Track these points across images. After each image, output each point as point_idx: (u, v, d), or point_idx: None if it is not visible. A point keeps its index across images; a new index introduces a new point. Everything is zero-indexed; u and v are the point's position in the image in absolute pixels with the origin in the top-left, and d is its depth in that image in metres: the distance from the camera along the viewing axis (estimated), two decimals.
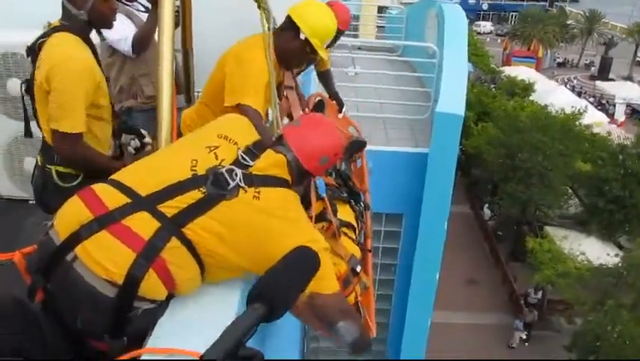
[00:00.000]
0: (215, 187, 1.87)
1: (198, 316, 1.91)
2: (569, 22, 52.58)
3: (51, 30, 2.58)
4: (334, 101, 4.94)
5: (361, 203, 3.54)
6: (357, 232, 3.35)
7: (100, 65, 2.72)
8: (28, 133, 2.95)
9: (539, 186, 20.11)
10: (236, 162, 1.96)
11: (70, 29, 2.57)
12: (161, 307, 1.86)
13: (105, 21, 2.72)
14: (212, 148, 2.00)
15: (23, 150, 4.66)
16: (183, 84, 4.10)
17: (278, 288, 1.53)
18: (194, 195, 1.86)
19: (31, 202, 4.75)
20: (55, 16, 2.68)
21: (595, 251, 18.67)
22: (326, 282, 1.96)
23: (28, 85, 2.66)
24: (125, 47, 4.24)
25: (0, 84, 4.46)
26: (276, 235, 1.91)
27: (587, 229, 20.66)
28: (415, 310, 6.74)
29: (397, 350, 6.90)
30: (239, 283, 2.05)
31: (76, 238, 1.81)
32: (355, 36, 11.60)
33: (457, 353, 17.55)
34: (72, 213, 1.89)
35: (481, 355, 17.85)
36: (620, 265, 16.69)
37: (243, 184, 1.89)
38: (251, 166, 1.97)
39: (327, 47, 4.87)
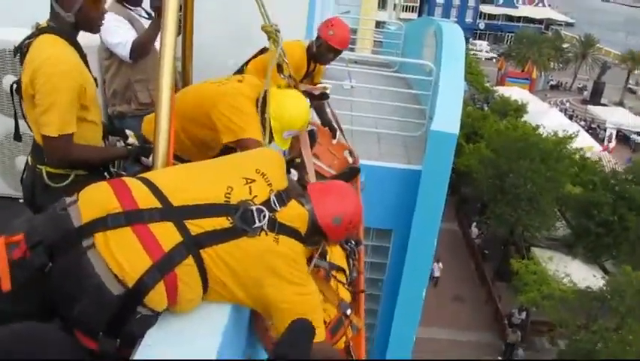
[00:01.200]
0: (242, 221, 1.92)
1: (187, 327, 1.91)
2: (564, 46, 53.14)
3: (38, 31, 2.56)
4: (327, 128, 4.93)
5: (352, 241, 3.54)
6: (348, 272, 3.35)
7: (88, 67, 2.70)
8: (17, 136, 2.92)
9: (527, 209, 20.25)
10: (267, 203, 2.02)
11: (56, 31, 2.55)
12: (157, 316, 1.86)
13: (92, 24, 2.69)
14: (248, 181, 2.05)
15: (15, 148, 4.63)
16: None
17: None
18: (222, 223, 1.90)
19: (21, 201, 4.75)
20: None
21: (580, 274, 18.78)
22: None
23: (18, 86, 2.62)
24: (123, 51, 4.21)
25: None
26: (280, 283, 1.99)
27: (573, 252, 20.80)
28: (400, 325, 6.73)
29: None
30: None
31: (100, 224, 1.80)
32: (352, 49, 11.64)
33: None
34: (101, 199, 1.87)
35: None
36: (604, 288, 16.78)
37: (266, 228, 1.96)
38: (277, 210, 2.03)
39: (324, 63, 4.93)
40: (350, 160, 4.84)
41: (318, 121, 4.89)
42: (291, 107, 3.17)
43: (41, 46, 2.50)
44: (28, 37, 2.58)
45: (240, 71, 4.68)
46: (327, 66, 7.80)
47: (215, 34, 4.67)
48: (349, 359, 2.95)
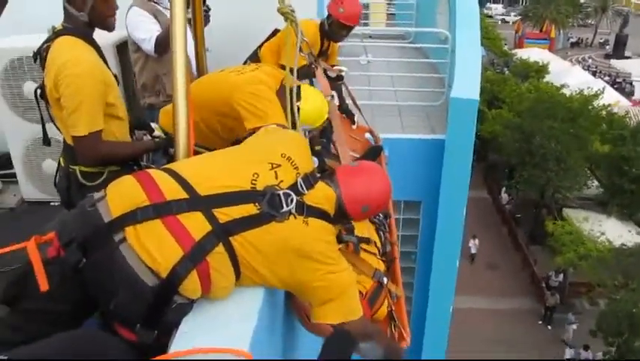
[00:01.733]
0: (269, 207, 1.92)
1: (222, 312, 1.92)
2: (582, 1, 51.84)
3: (54, 34, 2.58)
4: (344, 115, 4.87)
5: (379, 215, 3.54)
6: (380, 243, 3.34)
7: (107, 64, 2.72)
8: (46, 141, 2.97)
9: (556, 170, 19.94)
10: (294, 187, 2.01)
11: (72, 32, 2.57)
12: (192, 303, 1.88)
13: (105, 21, 2.70)
14: (274, 166, 2.05)
15: (41, 152, 4.70)
16: None
17: None
18: (249, 209, 1.91)
19: (52, 204, 4.83)
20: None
21: (615, 231, 18.51)
22: (350, 310, 2.13)
23: (43, 90, 2.66)
24: (148, 46, 4.25)
25: (16, 88, 4.50)
26: (313, 266, 2.00)
27: (606, 210, 20.48)
28: (436, 296, 6.71)
29: (420, 337, 6.89)
30: None
31: (130, 218, 1.82)
32: (366, 24, 11.51)
33: (480, 339, 17.52)
34: (129, 193, 1.89)
35: (505, 341, 17.79)
36: None
37: (294, 212, 1.96)
38: (305, 194, 2.03)
39: (338, 41, 4.88)
40: (372, 141, 4.80)
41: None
42: (309, 104, 3.23)
43: (60, 48, 2.52)
44: (46, 41, 2.60)
45: (254, 54, 4.68)
46: (342, 43, 7.77)
47: (226, 24, 4.66)
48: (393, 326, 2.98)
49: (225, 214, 1.87)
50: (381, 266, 3.13)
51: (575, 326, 18.15)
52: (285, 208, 1.94)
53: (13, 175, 4.92)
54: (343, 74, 4.29)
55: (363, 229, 3.26)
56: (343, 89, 4.81)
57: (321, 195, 2.10)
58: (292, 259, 1.96)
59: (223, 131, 3.22)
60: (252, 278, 1.97)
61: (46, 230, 1.92)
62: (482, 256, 21.11)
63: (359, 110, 4.79)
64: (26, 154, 4.76)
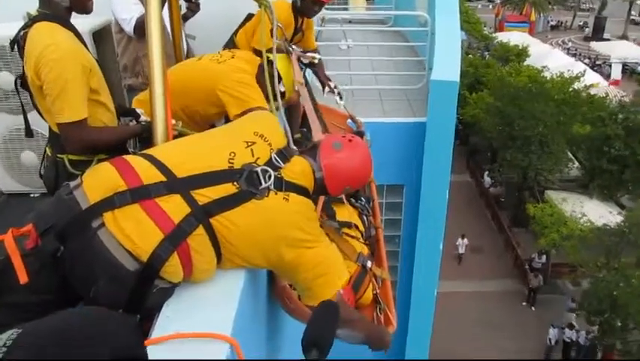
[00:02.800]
0: (248, 184, 1.92)
1: (204, 295, 1.92)
2: None
3: (30, 21, 2.52)
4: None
5: (362, 199, 3.52)
6: (364, 227, 3.33)
7: (87, 49, 2.68)
8: (28, 132, 2.93)
9: (538, 153, 20.09)
10: (269, 163, 2.02)
11: (49, 18, 2.52)
12: (173, 287, 1.88)
13: (86, 5, 2.66)
14: (249, 143, 2.05)
15: (20, 144, 4.63)
16: None
17: (325, 337, 1.77)
18: (228, 189, 1.90)
19: (32, 195, 4.78)
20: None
21: (597, 212, 18.71)
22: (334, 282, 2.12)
23: (23, 80, 2.61)
24: (128, 27, 4.22)
25: None
26: (295, 241, 2.00)
27: (588, 191, 20.69)
28: (420, 280, 6.76)
29: (404, 321, 6.93)
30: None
31: (108, 204, 1.80)
32: (345, 9, 11.49)
33: (465, 321, 17.71)
34: (105, 179, 1.88)
35: (490, 323, 18.00)
36: (622, 223, 16.73)
37: (273, 188, 1.96)
38: (281, 167, 2.04)
39: (311, 17, 4.86)
40: (354, 127, 4.79)
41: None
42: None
43: (38, 35, 2.46)
44: (22, 28, 2.54)
45: (231, 40, 4.65)
46: (322, 27, 7.73)
47: (211, 12, 4.63)
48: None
49: (204, 195, 1.87)
50: (365, 250, 3.12)
51: (574, 314, 17.74)
52: (264, 185, 1.94)
53: None
54: (316, 61, 4.28)
55: (346, 213, 3.26)
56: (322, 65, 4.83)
57: (298, 169, 2.11)
58: (274, 236, 1.96)
59: (201, 118, 3.22)
60: (233, 260, 1.96)
61: (24, 222, 1.89)
62: (467, 240, 21.25)
63: (340, 95, 4.76)
64: (4, 146, 4.68)
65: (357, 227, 3.21)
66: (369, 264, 2.97)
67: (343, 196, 3.35)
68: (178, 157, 1.98)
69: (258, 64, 3.27)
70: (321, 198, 2.67)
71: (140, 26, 4.16)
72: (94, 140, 2.63)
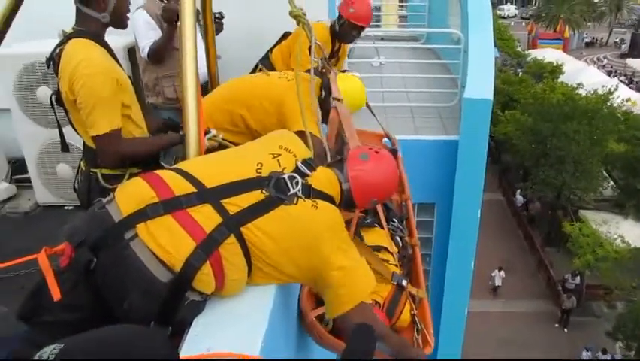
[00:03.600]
0: (276, 190, 1.95)
1: (233, 312, 1.92)
2: (595, 1, 51.41)
3: (66, 38, 2.58)
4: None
5: (393, 219, 3.46)
6: (398, 249, 3.27)
7: (120, 66, 2.72)
8: (64, 147, 2.98)
9: (572, 171, 19.73)
10: (296, 171, 2.05)
11: (83, 34, 2.57)
12: (204, 301, 1.89)
13: (124, 19, 2.73)
14: (275, 155, 2.09)
15: (55, 157, 4.73)
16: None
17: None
18: (257, 196, 1.93)
19: (66, 208, 4.87)
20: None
21: (633, 233, 18.29)
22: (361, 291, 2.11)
23: (58, 96, 2.66)
24: (143, 53, 4.31)
25: (30, 93, 4.53)
26: (326, 247, 2.00)
27: (623, 212, 20.24)
28: (451, 299, 6.66)
29: (435, 340, 6.82)
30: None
31: (140, 215, 1.82)
32: (378, 26, 11.50)
33: (496, 341, 17.40)
34: (138, 192, 1.91)
35: (521, 344, 17.63)
36: None
37: (301, 194, 1.98)
38: (308, 175, 2.07)
39: (349, 42, 4.87)
40: (389, 145, 4.75)
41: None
42: (353, 88, 3.59)
43: (73, 51, 2.52)
44: (58, 46, 2.60)
45: (266, 57, 4.69)
46: (354, 45, 7.74)
47: (236, 33, 4.69)
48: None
49: (234, 204, 1.89)
50: (398, 271, 3.06)
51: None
52: (292, 190, 1.96)
53: (28, 180, 4.96)
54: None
55: (375, 237, 3.21)
56: None
57: (325, 179, 2.13)
58: (304, 242, 1.97)
59: (264, 129, 3.33)
60: (265, 271, 1.96)
61: (59, 237, 1.92)
62: (498, 259, 20.91)
63: (373, 114, 4.75)
64: (40, 159, 4.79)
65: (387, 250, 3.16)
66: (404, 282, 2.89)
67: (373, 213, 3.32)
68: (207, 169, 2.02)
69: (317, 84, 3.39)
70: (353, 222, 2.63)
71: (154, 53, 4.28)
72: (130, 151, 2.69)
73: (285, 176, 1.99)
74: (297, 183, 1.99)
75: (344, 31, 4.62)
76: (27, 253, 1.95)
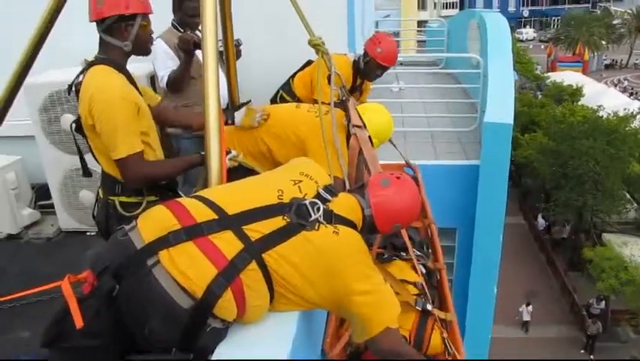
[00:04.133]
0: (297, 216, 1.95)
1: (255, 339, 1.91)
2: (615, 22, 51.24)
3: (87, 66, 2.62)
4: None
5: (415, 249, 3.43)
6: (422, 275, 3.23)
7: (140, 93, 2.75)
8: (86, 173, 3.01)
9: (594, 193, 19.45)
10: (317, 196, 2.06)
11: (104, 61, 2.62)
12: (226, 329, 1.89)
13: (146, 48, 2.78)
14: (296, 182, 2.11)
15: (78, 183, 4.79)
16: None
17: None
18: (278, 222, 1.94)
19: (88, 234, 4.90)
20: None
21: None
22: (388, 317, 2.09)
23: (78, 123, 2.70)
24: (162, 83, 4.35)
25: (55, 120, 4.61)
26: (348, 273, 1.99)
27: None
28: (474, 325, 6.56)
29: None
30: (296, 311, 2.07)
31: (162, 242, 1.83)
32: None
33: None
34: (160, 219, 1.93)
35: None
36: None
37: (322, 220, 1.98)
38: (329, 201, 2.07)
39: (372, 80, 4.89)
40: (411, 173, 4.72)
41: None
42: (382, 122, 3.65)
43: (92, 77, 2.56)
44: (80, 73, 2.64)
45: (287, 84, 4.73)
46: None
47: (261, 56, 4.75)
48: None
49: (256, 231, 1.90)
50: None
51: None
52: (313, 216, 1.96)
53: (51, 206, 5.01)
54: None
55: (396, 270, 3.17)
56: None
57: (346, 204, 2.13)
58: (326, 269, 1.96)
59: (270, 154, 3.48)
60: (287, 297, 1.96)
61: (81, 263, 1.93)
62: (520, 284, 20.59)
63: (393, 144, 4.74)
64: (64, 185, 4.85)
65: (408, 282, 3.12)
66: (429, 307, 2.87)
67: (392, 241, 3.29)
68: (228, 196, 2.04)
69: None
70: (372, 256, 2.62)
71: (173, 83, 4.30)
72: (152, 172, 2.70)
73: (307, 202, 2.00)
74: (318, 208, 1.99)
75: (368, 69, 4.65)
76: (50, 278, 1.99)
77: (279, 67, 4.83)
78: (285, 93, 4.79)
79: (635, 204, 21.34)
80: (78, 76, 2.64)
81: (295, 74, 4.78)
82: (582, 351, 18.64)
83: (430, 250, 3.78)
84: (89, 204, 4.79)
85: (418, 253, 3.53)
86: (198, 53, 4.17)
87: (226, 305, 1.82)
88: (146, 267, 1.80)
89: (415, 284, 3.11)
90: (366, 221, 2.18)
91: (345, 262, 1.99)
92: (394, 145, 4.16)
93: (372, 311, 2.04)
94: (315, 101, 3.34)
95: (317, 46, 3.24)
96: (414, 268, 3.25)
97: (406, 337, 2.74)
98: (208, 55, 2.51)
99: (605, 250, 18.25)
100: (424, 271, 3.34)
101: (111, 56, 2.63)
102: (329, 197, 2.08)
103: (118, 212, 2.76)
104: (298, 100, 4.68)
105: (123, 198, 2.76)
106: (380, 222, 2.19)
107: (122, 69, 2.66)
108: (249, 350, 1.86)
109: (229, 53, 3.76)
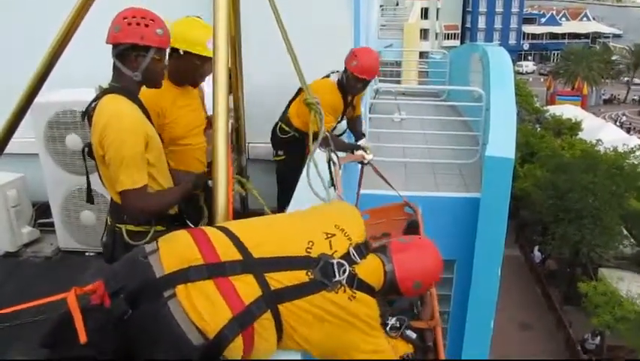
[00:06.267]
0: (322, 275, 1.93)
1: None
2: (613, 58, 51.81)
3: (101, 93, 2.64)
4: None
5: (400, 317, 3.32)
6: (410, 341, 3.16)
7: (152, 123, 2.77)
8: (89, 199, 3.03)
9: (591, 227, 19.47)
10: (346, 257, 2.03)
11: (117, 90, 2.63)
12: None
13: (157, 80, 2.78)
14: (329, 235, 2.07)
15: (80, 203, 4.78)
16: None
17: None
18: (301, 277, 1.92)
19: (87, 254, 4.89)
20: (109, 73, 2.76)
21: None
22: None
23: (90, 148, 2.70)
24: None
25: (60, 140, 4.61)
26: (357, 337, 2.00)
27: None
28: (469, 358, 6.51)
29: None
30: None
31: (182, 276, 1.83)
32: (398, 82, 11.67)
33: None
34: (182, 249, 1.92)
35: None
36: None
37: (345, 283, 1.96)
38: (357, 263, 2.04)
39: (356, 94, 4.93)
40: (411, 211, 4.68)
41: None
42: (185, 29, 3.23)
43: (104, 106, 2.57)
44: (94, 100, 2.65)
45: (284, 115, 4.82)
46: (375, 100, 7.85)
47: (263, 81, 4.79)
48: None
49: (277, 280, 1.88)
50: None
51: None
52: (337, 278, 1.94)
53: (52, 224, 5.00)
54: (366, 160, 4.40)
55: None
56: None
57: (371, 269, 2.11)
58: (337, 332, 1.96)
59: None
60: (293, 340, 1.95)
61: (88, 279, 1.93)
62: (515, 316, 20.49)
63: (382, 177, 4.67)
64: (65, 204, 4.84)
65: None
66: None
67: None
68: (257, 238, 2.01)
69: None
70: None
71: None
72: (149, 205, 2.66)
73: (334, 261, 1.97)
74: (344, 270, 1.96)
75: (349, 83, 4.72)
76: (47, 297, 1.97)
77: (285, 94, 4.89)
78: (283, 123, 4.85)
79: (632, 240, 21.34)
80: (91, 103, 2.66)
81: (290, 102, 4.84)
82: None
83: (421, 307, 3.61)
84: (90, 225, 4.79)
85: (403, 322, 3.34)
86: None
87: (235, 349, 1.82)
88: (163, 298, 1.79)
89: (405, 357, 3.01)
90: (387, 279, 2.17)
91: (355, 329, 1.99)
92: (382, 177, 4.19)
93: None
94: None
95: (311, 105, 3.33)
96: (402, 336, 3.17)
97: None
98: (218, 84, 2.54)
99: (599, 285, 18.20)
100: (413, 336, 3.22)
101: (124, 84, 2.64)
102: (357, 259, 2.05)
103: (124, 240, 2.76)
104: (295, 130, 4.74)
105: (130, 227, 2.77)
106: (402, 282, 2.19)
107: (134, 98, 2.68)
108: None
109: (237, 82, 3.80)
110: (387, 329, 2.98)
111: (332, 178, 3.53)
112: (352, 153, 4.65)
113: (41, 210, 5.22)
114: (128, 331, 1.82)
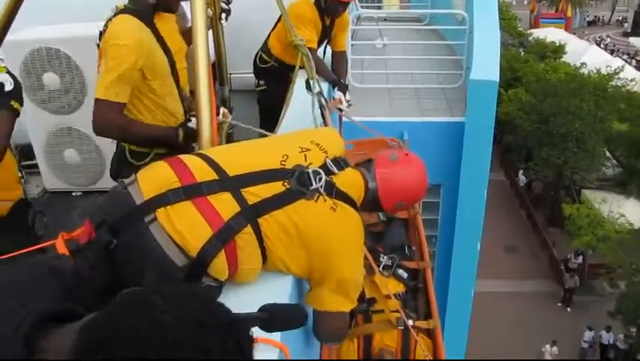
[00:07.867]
0: (298, 184, 1.94)
1: (251, 300, 1.92)
2: None
3: (115, 13, 2.61)
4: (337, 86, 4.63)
5: (385, 256, 3.20)
6: (402, 280, 3.14)
7: (168, 51, 2.73)
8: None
9: (575, 150, 19.66)
10: (323, 167, 2.03)
11: (131, 11, 2.60)
12: (220, 287, 1.91)
13: (172, 4, 2.76)
14: (303, 149, 2.07)
15: (63, 143, 4.73)
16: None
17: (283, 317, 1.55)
18: (277, 187, 1.93)
19: (74, 194, 4.88)
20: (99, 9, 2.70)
21: (635, 213, 18.29)
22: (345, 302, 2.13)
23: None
24: None
25: (37, 79, 4.51)
26: (338, 257, 2.01)
27: (626, 191, 20.24)
28: (457, 281, 6.67)
29: (441, 322, 6.84)
30: None
31: (161, 200, 1.84)
32: (379, 7, 11.43)
33: (500, 322, 17.49)
34: (160, 176, 1.92)
35: (524, 324, 17.74)
36: None
37: (322, 190, 1.96)
38: (335, 174, 2.04)
39: (337, 16, 4.84)
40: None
41: None
42: None
43: (115, 24, 2.57)
44: (108, 20, 2.63)
45: (265, 45, 4.76)
46: (357, 26, 7.68)
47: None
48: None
49: (254, 194, 1.90)
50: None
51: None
52: (314, 185, 1.95)
53: (36, 166, 4.96)
54: (343, 113, 4.29)
55: (379, 279, 2.98)
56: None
57: (350, 179, 2.11)
58: (317, 247, 1.97)
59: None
60: (276, 263, 1.98)
61: (67, 223, 1.93)
62: (501, 239, 20.97)
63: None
64: (48, 145, 4.79)
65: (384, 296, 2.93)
66: (410, 322, 2.71)
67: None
68: (231, 157, 2.03)
69: None
70: None
71: None
72: (120, 126, 2.62)
73: (309, 170, 1.98)
74: (320, 178, 1.97)
75: (329, 6, 4.65)
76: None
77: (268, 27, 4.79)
78: (264, 53, 4.80)
79: (615, 161, 21.64)
80: (106, 23, 2.62)
81: (270, 33, 4.77)
82: (559, 304, 19.18)
83: (413, 250, 3.54)
84: (75, 164, 4.76)
85: (394, 261, 3.29)
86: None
87: (218, 265, 1.84)
88: (144, 223, 1.81)
89: (396, 296, 2.95)
90: (368, 196, 2.17)
91: (338, 245, 2.00)
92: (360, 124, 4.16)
93: (338, 294, 2.08)
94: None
95: (298, 47, 3.30)
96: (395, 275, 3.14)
97: (392, 352, 2.73)
98: (197, 17, 2.49)
99: (581, 207, 18.57)
100: (405, 276, 3.18)
101: (138, 7, 2.62)
102: (335, 170, 2.05)
103: (127, 159, 2.80)
104: (275, 59, 4.68)
105: (133, 147, 2.79)
106: (384, 197, 2.18)
107: (148, 22, 2.64)
108: (243, 310, 1.88)
109: (215, 16, 3.73)
110: (381, 267, 3.04)
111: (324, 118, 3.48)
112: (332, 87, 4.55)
113: (24, 153, 5.16)
114: (115, 263, 1.84)
